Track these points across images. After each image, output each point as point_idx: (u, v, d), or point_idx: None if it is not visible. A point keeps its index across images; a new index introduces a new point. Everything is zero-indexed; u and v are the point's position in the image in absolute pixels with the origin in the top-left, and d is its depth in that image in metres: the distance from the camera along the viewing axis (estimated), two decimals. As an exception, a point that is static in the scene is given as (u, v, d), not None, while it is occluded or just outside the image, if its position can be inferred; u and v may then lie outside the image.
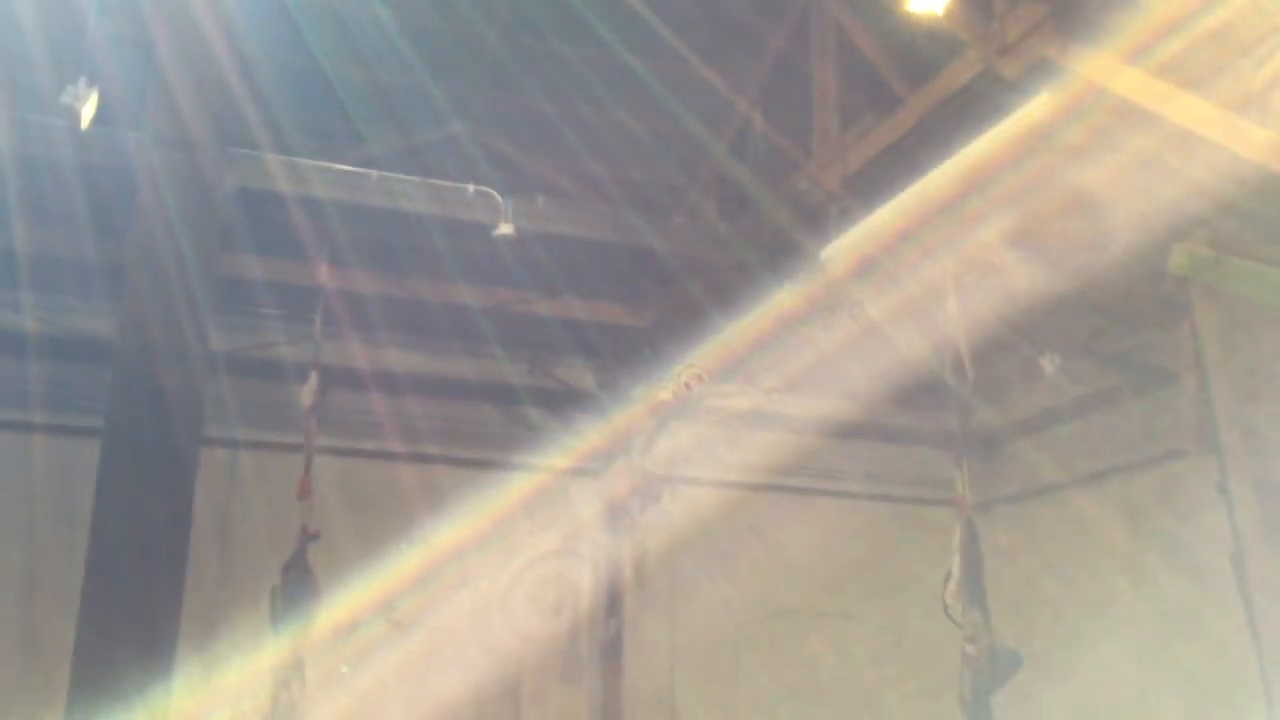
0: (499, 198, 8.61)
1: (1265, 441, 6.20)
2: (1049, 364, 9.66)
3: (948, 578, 8.01)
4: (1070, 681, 11.24)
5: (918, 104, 7.51)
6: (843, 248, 8.20)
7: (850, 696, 11.98)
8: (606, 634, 11.28)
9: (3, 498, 9.87)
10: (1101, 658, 11.13)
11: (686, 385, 9.89)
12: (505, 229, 8.52)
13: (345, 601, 9.98)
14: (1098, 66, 5.92)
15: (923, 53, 7.52)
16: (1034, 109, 6.31)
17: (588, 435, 11.91)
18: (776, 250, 9.04)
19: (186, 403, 6.17)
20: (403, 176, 8.51)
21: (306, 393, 8.69)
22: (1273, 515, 6.10)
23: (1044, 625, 11.63)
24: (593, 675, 11.29)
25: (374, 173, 8.38)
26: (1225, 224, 5.90)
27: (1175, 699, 10.34)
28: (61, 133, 7.02)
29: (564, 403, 11.80)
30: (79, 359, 9.33)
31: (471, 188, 8.61)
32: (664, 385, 10.05)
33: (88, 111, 6.43)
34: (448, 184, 8.60)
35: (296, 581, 8.25)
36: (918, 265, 8.65)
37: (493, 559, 11.27)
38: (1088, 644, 11.32)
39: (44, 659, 6.45)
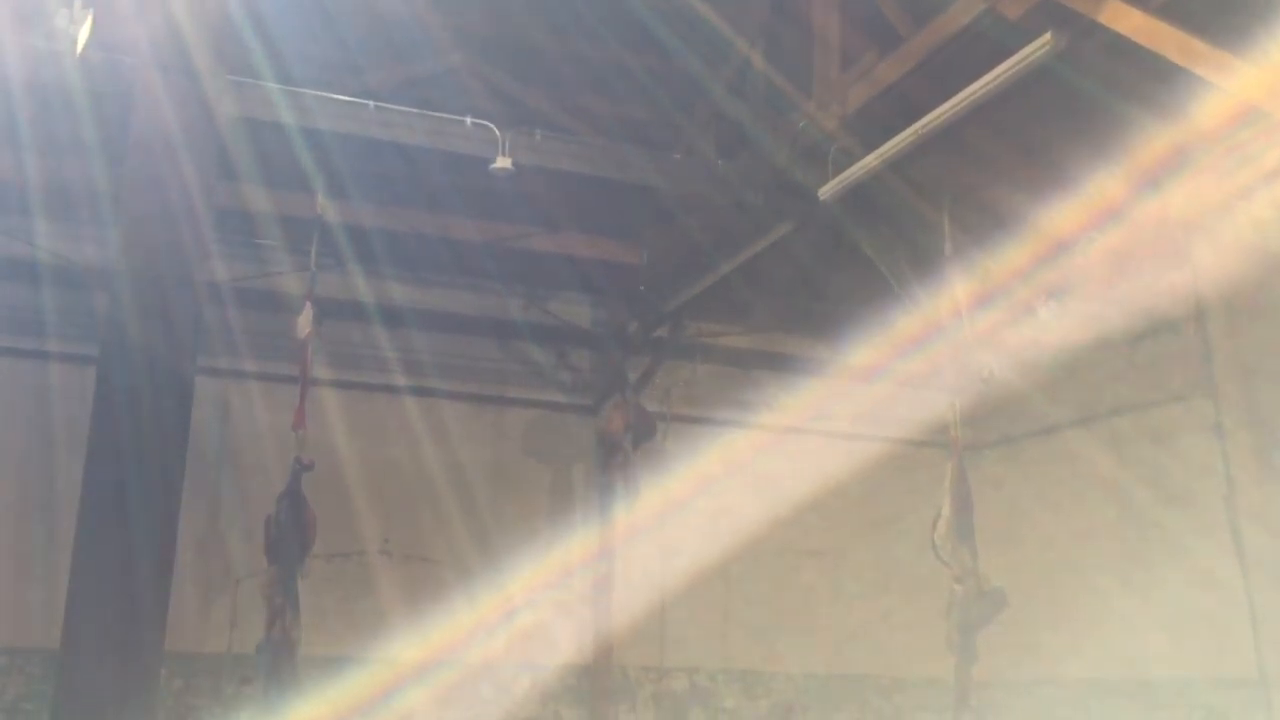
0: (497, 131, 8.56)
1: (1261, 382, 6.25)
2: (1045, 307, 9.67)
3: (937, 518, 8.11)
4: (1058, 611, 11.41)
5: (920, 44, 7.45)
6: (839, 187, 8.16)
7: (839, 631, 12.15)
8: (599, 569, 11.39)
9: (19, 423, 9.90)
10: (1089, 587, 11.28)
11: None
12: (503, 163, 8.48)
13: (340, 530, 10.09)
14: (1099, 7, 5.87)
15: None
16: (1036, 49, 6.26)
17: (583, 371, 11.95)
18: (774, 189, 9.00)
19: (184, 330, 6.16)
20: (401, 108, 8.44)
21: (302, 324, 8.70)
22: (1266, 453, 6.17)
23: (1032, 557, 11.78)
24: (585, 608, 11.42)
25: (371, 104, 8.32)
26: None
27: (1161, 626, 10.50)
28: (68, 59, 6.94)
29: (560, 338, 11.82)
30: (92, 287, 9.30)
31: (469, 120, 8.56)
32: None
33: (83, 35, 6.35)
34: (446, 116, 8.54)
35: (291, 511, 8.32)
36: (915, 205, 8.64)
37: (488, 492, 11.35)
38: (1076, 574, 11.47)
39: (59, 583, 6.49)
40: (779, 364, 12.40)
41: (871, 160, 7.72)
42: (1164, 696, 10.42)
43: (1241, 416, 6.09)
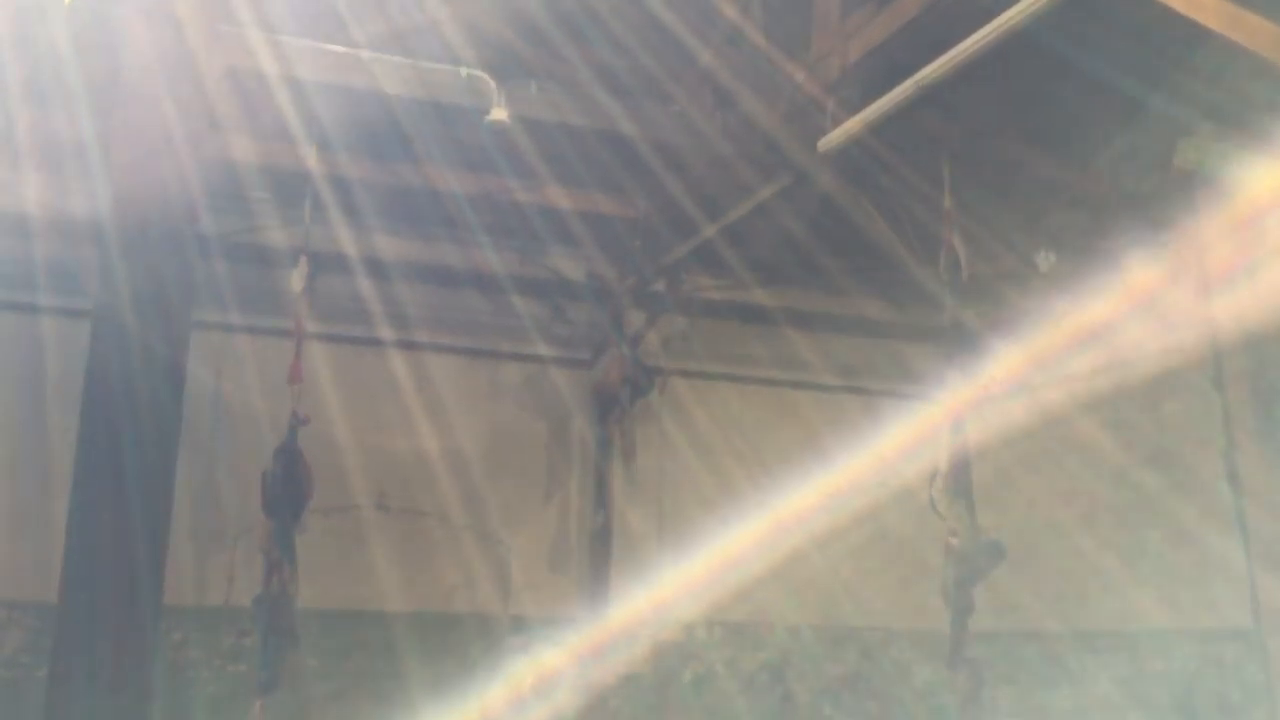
0: (491, 83, 8.46)
1: (1264, 341, 6.23)
2: (1044, 261, 9.63)
3: (935, 473, 8.12)
4: (1043, 571, 11.48)
5: (921, -8, 7.34)
6: (839, 140, 8.08)
7: (835, 585, 12.20)
8: (595, 524, 11.41)
9: (14, 378, 9.85)
10: (1073, 545, 11.34)
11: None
12: (498, 115, 8.40)
13: (336, 484, 10.09)
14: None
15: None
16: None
17: (579, 325, 11.91)
18: (773, 141, 8.92)
19: (176, 283, 6.12)
20: (394, 58, 8.34)
21: (296, 278, 8.67)
22: (1265, 412, 6.16)
23: (1018, 516, 11.83)
24: (581, 564, 11.46)
25: (364, 53, 8.21)
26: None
27: (1147, 586, 10.57)
28: (56, 10, 6.85)
29: (554, 293, 11.76)
30: (84, 241, 9.21)
31: (465, 71, 8.46)
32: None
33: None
34: (440, 67, 8.43)
35: (288, 466, 8.34)
36: (916, 157, 8.57)
37: (483, 447, 11.35)
38: (1059, 532, 11.53)
39: (54, 540, 6.48)
40: (777, 318, 12.36)
41: (872, 112, 7.64)
42: (1153, 648, 10.50)
43: (1242, 372, 6.07)
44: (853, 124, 7.87)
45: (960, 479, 7.89)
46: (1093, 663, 11.24)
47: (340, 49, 8.21)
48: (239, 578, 10.01)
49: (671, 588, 11.61)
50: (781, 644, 11.90)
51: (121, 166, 6.18)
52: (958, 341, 8.37)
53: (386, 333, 11.07)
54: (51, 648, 6.25)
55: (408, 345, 11.13)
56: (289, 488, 8.31)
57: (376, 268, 10.95)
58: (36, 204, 9.56)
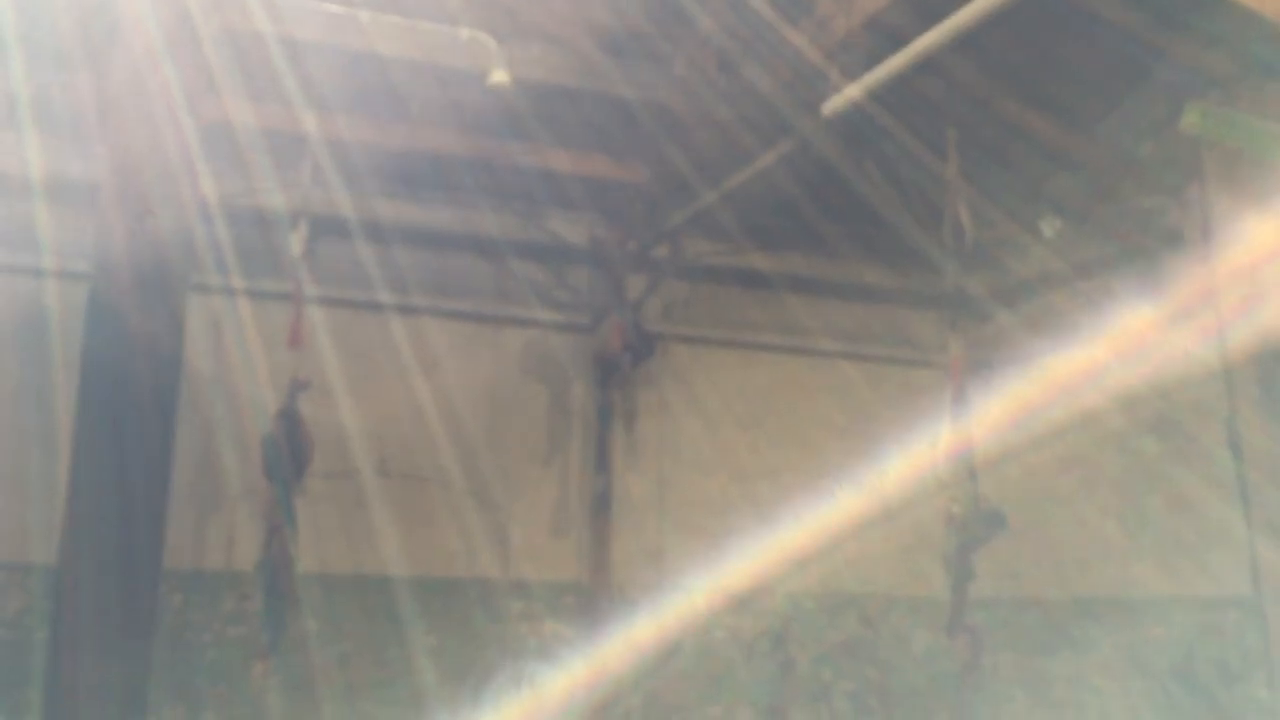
0: (492, 45, 8.38)
1: (1267, 305, 6.20)
2: (1048, 227, 9.58)
3: (936, 440, 8.12)
4: (1044, 538, 11.51)
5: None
6: (842, 105, 8.02)
7: (836, 552, 12.22)
8: (596, 489, 11.42)
9: (15, 340, 9.83)
10: (1076, 515, 11.36)
11: None
12: (500, 77, 8.32)
13: (337, 449, 10.10)
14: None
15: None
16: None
17: (581, 290, 11.87)
18: (776, 105, 8.85)
19: (176, 246, 6.10)
20: (393, 19, 8.25)
21: (296, 241, 8.62)
22: (1270, 379, 6.13)
23: (1017, 484, 11.84)
24: (582, 529, 11.48)
25: (363, 14, 8.13)
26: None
27: (1148, 553, 10.59)
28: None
29: (556, 257, 11.72)
30: (83, 204, 9.15)
31: (465, 33, 8.37)
32: None
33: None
34: (440, 28, 8.35)
35: (288, 430, 8.32)
36: (920, 122, 8.51)
37: (483, 412, 11.35)
38: (1061, 502, 11.55)
39: (55, 504, 6.49)
40: (778, 284, 12.33)
41: (875, 77, 7.58)
42: (1153, 616, 10.54)
43: (1245, 339, 6.05)
44: (855, 89, 7.82)
45: (961, 446, 7.90)
46: (1093, 629, 11.28)
47: (338, 10, 8.13)
48: (240, 541, 10.04)
49: (672, 554, 11.65)
50: (782, 611, 11.93)
51: (119, 129, 6.14)
52: (960, 308, 8.36)
53: (386, 297, 11.04)
54: (52, 611, 6.27)
55: (408, 310, 11.10)
56: (289, 452, 8.30)
57: (376, 232, 10.90)
58: (35, 166, 9.50)
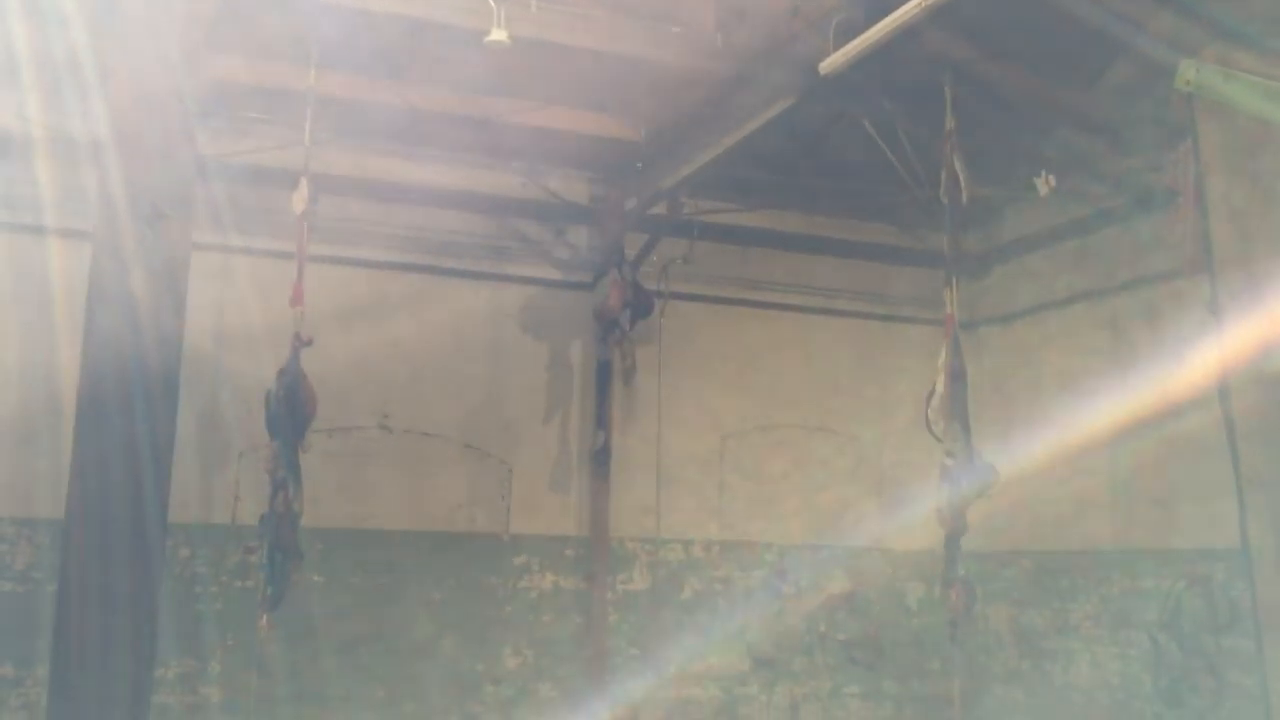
0: (490, 2, 8.36)
1: (1259, 261, 6.24)
2: (1045, 184, 9.59)
3: (931, 394, 8.20)
4: (1046, 486, 11.60)
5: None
6: (841, 62, 8.02)
7: (833, 504, 12.35)
8: (595, 444, 11.52)
9: (20, 299, 9.88)
10: (1077, 464, 11.45)
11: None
12: (498, 35, 8.30)
13: (339, 405, 10.17)
14: None
15: None
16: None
17: (581, 247, 11.91)
18: (774, 63, 8.85)
19: (176, 203, 6.14)
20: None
21: (297, 200, 8.64)
22: (1260, 332, 6.19)
23: (1021, 433, 11.94)
24: (580, 483, 11.59)
25: (363, -28, 8.12)
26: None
27: (1137, 508, 10.71)
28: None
29: (557, 215, 11.75)
30: (85, 162, 9.17)
31: (463, -10, 8.36)
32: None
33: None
34: (439, -14, 8.34)
35: (291, 386, 8.39)
36: (918, 79, 8.52)
37: (484, 368, 11.42)
38: (1063, 451, 11.63)
39: (62, 459, 6.56)
40: (777, 241, 12.37)
41: (874, 34, 7.57)
42: (1149, 567, 10.67)
43: (1237, 294, 6.10)
44: (854, 46, 7.81)
45: (956, 400, 7.98)
46: (1083, 581, 11.42)
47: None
48: (244, 496, 10.15)
49: (669, 508, 11.76)
50: (778, 562, 12.08)
51: (119, 87, 6.17)
52: (956, 265, 8.40)
53: (388, 255, 11.10)
54: (60, 564, 6.37)
55: (409, 267, 11.16)
56: (292, 408, 8.37)
57: (377, 190, 10.94)
58: (36, 124, 9.51)
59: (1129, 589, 10.90)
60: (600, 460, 11.51)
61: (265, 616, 8.25)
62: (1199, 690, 9.89)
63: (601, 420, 11.58)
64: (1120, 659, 10.92)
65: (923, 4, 7.16)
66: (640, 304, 11.22)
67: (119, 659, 5.94)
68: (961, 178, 8.15)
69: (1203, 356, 7.24)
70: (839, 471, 12.45)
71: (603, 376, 11.64)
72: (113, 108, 6.26)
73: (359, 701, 10.44)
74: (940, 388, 8.08)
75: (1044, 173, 9.55)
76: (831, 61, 8.09)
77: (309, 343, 8.40)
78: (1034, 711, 11.77)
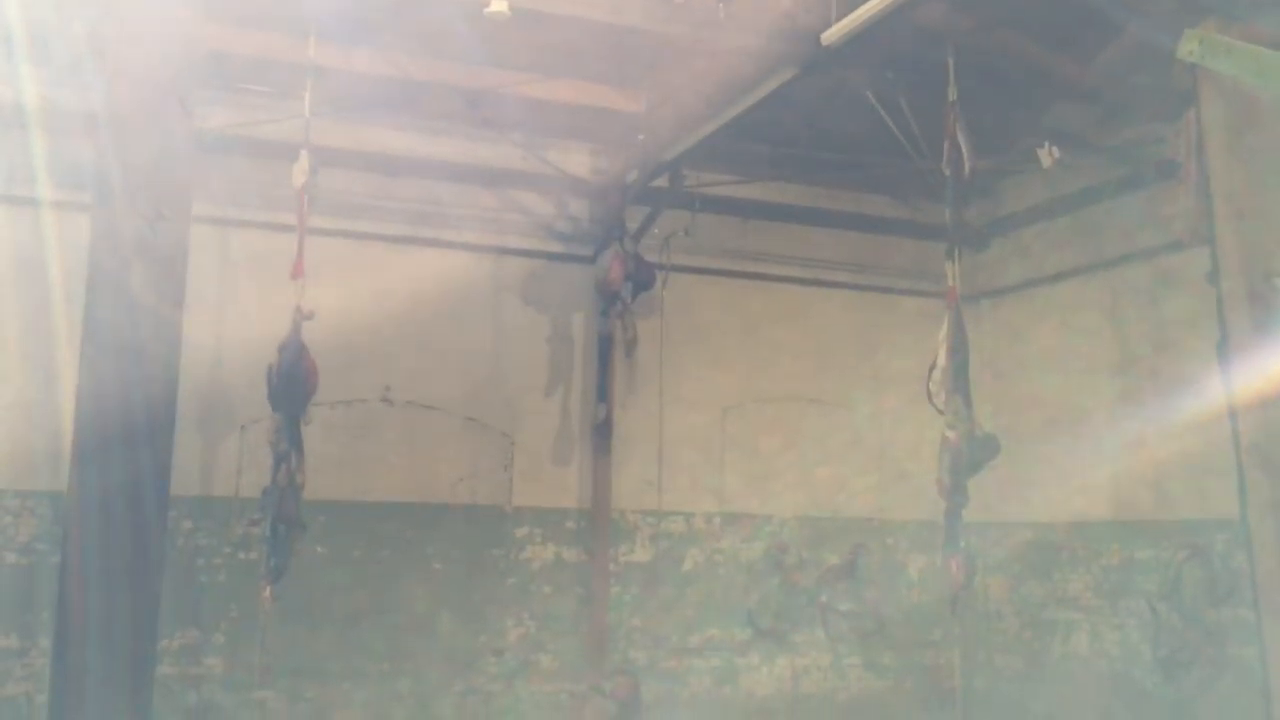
0: (491, -27, 8.31)
1: (1259, 232, 6.22)
2: (1048, 155, 9.55)
3: (932, 366, 8.19)
4: (1047, 457, 11.64)
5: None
6: (843, 33, 7.98)
7: (834, 476, 12.38)
8: (596, 417, 11.53)
9: (20, 272, 9.87)
10: (1078, 434, 11.49)
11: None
12: (497, 6, 8.26)
13: (341, 378, 10.18)
14: None
15: None
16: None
17: (582, 220, 11.89)
18: (777, 34, 8.80)
19: (175, 176, 6.12)
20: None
21: (297, 172, 8.62)
22: (1260, 305, 6.17)
23: (1022, 405, 11.98)
24: (582, 456, 11.61)
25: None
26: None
27: (1148, 471, 10.72)
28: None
29: (558, 187, 11.72)
30: (82, 135, 9.13)
31: (463, -39, 8.31)
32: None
33: None
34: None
35: (292, 360, 8.40)
36: (921, 50, 8.46)
37: (486, 341, 11.42)
38: (1065, 422, 11.66)
39: (65, 427, 6.56)
40: (779, 213, 12.35)
41: (877, 4, 7.53)
42: (1148, 538, 10.70)
43: (1237, 266, 6.08)
44: (856, 17, 7.77)
45: (958, 372, 7.97)
46: (1083, 553, 11.45)
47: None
48: (247, 469, 10.18)
49: (671, 480, 11.79)
50: (779, 534, 12.12)
51: (115, 59, 6.14)
52: (958, 237, 8.37)
53: (388, 228, 11.08)
54: (62, 537, 6.39)
55: (410, 240, 11.15)
56: (293, 381, 8.38)
57: (378, 162, 10.91)
58: (33, 97, 9.47)
59: (1128, 560, 10.94)
60: (601, 433, 11.53)
61: (268, 588, 8.29)
62: (1198, 660, 9.93)
63: (603, 393, 11.59)
64: (1119, 630, 10.96)
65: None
66: (641, 277, 11.20)
67: (122, 631, 5.96)
68: (964, 149, 8.11)
69: (1201, 329, 7.23)
70: (840, 443, 12.46)
71: (604, 349, 11.64)
72: (109, 79, 6.22)
73: (360, 672, 10.50)
74: (941, 360, 8.06)
75: (1047, 144, 9.52)
76: (834, 32, 8.05)
77: (310, 316, 8.40)
78: (1033, 682, 11.84)
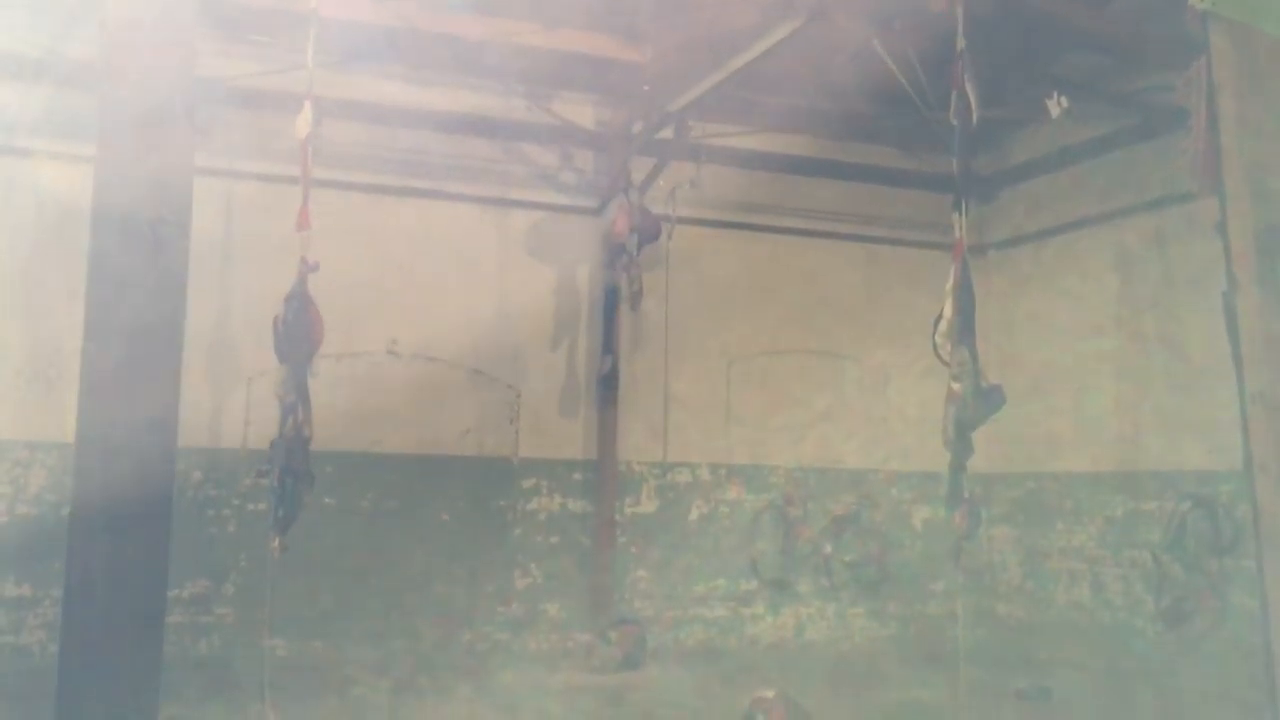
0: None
1: (1269, 182, 6.16)
2: (1056, 105, 9.47)
3: (938, 318, 8.16)
4: (1052, 409, 11.65)
5: None
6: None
7: (837, 430, 12.42)
8: (602, 368, 11.55)
9: (21, 223, 9.87)
10: (1084, 386, 11.50)
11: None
12: (501, -46, 8.19)
13: (347, 331, 10.20)
14: None
15: None
16: None
17: (587, 172, 11.84)
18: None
19: (178, 126, 6.09)
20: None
21: (301, 123, 8.56)
22: (1269, 256, 6.13)
23: (1028, 357, 11.98)
24: (588, 408, 11.64)
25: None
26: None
27: (1153, 423, 10.74)
28: None
29: (563, 139, 11.66)
30: (81, 86, 9.10)
31: (467, -91, 8.23)
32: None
33: None
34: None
35: (298, 311, 8.39)
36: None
37: (492, 293, 11.41)
38: (1071, 374, 11.67)
39: (71, 378, 6.59)
40: (785, 165, 12.28)
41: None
42: (1153, 489, 10.73)
43: (1245, 216, 6.04)
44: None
45: (963, 324, 7.94)
46: (1087, 503, 11.50)
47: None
48: (255, 421, 10.21)
49: (676, 431, 11.83)
50: (784, 485, 12.17)
51: (117, 7, 6.09)
52: (965, 189, 8.31)
53: (394, 179, 11.05)
54: (74, 488, 6.42)
55: (415, 192, 11.12)
56: (299, 333, 8.37)
57: (383, 113, 10.85)
58: (35, 47, 9.42)
59: (1132, 510, 10.98)
60: (608, 385, 11.55)
61: (277, 539, 8.33)
62: (1201, 610, 10.00)
63: (609, 345, 11.59)
64: (1122, 579, 11.03)
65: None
66: (647, 229, 11.17)
67: (132, 580, 6.00)
68: (972, 99, 8.03)
69: (1209, 279, 7.19)
70: (845, 395, 12.49)
71: (610, 302, 11.63)
72: (110, 31, 6.17)
73: (368, 621, 10.60)
74: (948, 312, 8.03)
75: (1055, 94, 9.44)
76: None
77: (315, 267, 8.37)
78: (1037, 631, 11.92)
